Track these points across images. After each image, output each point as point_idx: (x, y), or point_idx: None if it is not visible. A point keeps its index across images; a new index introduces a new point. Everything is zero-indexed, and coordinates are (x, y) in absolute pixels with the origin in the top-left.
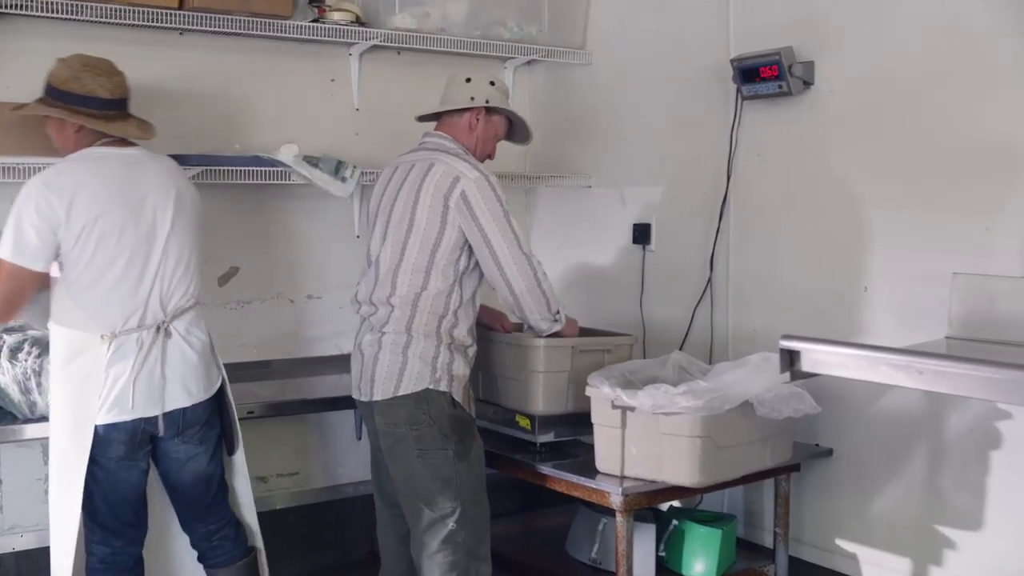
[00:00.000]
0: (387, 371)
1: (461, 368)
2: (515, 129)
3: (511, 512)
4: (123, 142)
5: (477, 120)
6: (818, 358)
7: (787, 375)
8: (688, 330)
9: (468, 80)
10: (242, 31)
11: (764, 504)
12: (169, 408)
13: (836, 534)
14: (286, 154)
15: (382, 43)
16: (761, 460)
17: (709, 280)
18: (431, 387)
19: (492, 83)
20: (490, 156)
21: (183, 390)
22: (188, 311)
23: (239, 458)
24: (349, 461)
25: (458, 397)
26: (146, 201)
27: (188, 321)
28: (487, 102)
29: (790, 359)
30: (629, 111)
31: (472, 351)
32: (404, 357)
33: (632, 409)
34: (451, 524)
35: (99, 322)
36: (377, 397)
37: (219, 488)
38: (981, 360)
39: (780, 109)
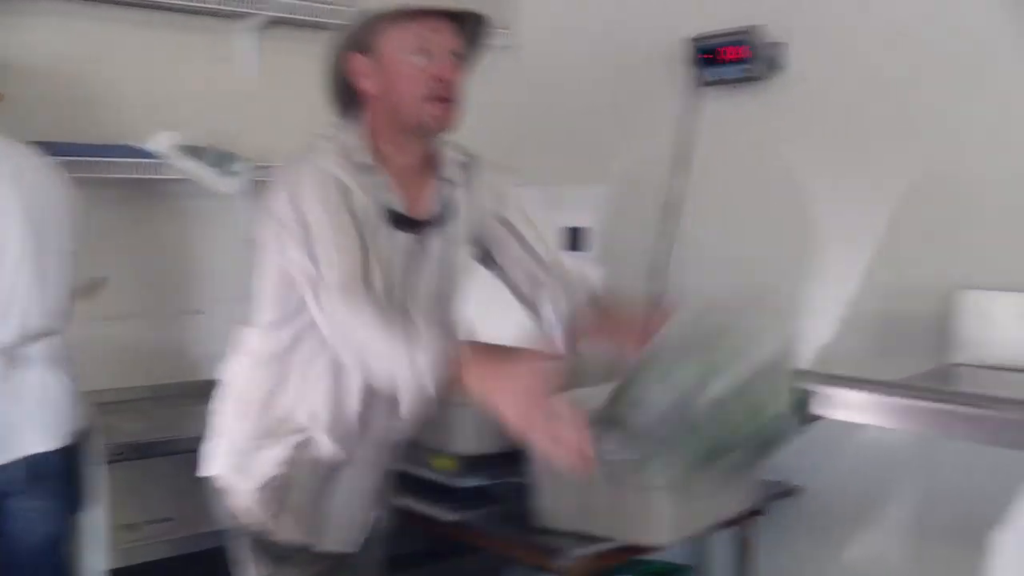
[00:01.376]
0: None
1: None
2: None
3: (419, 559)
4: None
5: (365, 75)
6: (836, 400)
7: None
8: None
9: None
10: None
11: (719, 549)
12: (20, 454)
13: None
14: (160, 143)
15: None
16: (730, 506)
17: (660, 294)
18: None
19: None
20: (440, 94)
21: (42, 431)
22: (52, 334)
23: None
24: None
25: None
26: None
27: (52, 346)
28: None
29: None
30: (562, 100)
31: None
32: None
33: None
34: None
35: None
36: None
37: (67, 551)
38: None
39: (746, 96)
